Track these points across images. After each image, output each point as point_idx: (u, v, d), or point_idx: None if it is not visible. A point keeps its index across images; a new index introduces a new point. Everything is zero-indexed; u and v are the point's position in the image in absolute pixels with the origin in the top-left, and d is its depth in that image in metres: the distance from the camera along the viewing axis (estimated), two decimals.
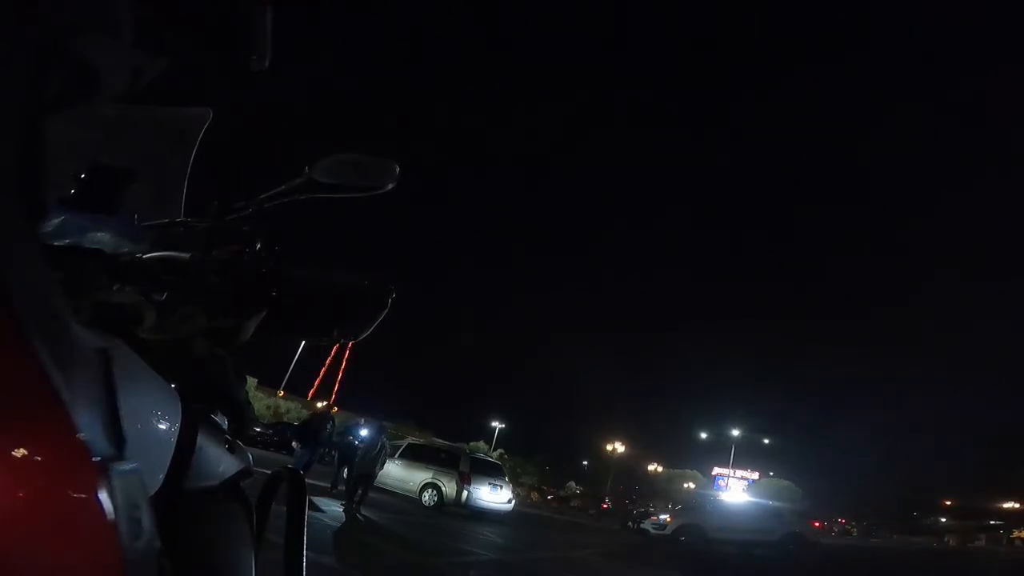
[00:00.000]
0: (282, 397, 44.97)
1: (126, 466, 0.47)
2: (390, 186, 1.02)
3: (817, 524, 24.63)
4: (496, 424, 54.15)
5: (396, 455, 15.75)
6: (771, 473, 54.57)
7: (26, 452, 0.35)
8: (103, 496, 0.40)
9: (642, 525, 19.19)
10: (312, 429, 12.30)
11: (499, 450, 48.91)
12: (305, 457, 11.86)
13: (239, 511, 0.92)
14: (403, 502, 14.88)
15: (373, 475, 11.39)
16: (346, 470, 11.82)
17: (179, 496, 0.71)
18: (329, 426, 12.41)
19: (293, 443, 14.01)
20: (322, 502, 10.42)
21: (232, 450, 0.93)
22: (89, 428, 0.41)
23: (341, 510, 10.36)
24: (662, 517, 19.05)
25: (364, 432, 11.98)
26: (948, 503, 56.93)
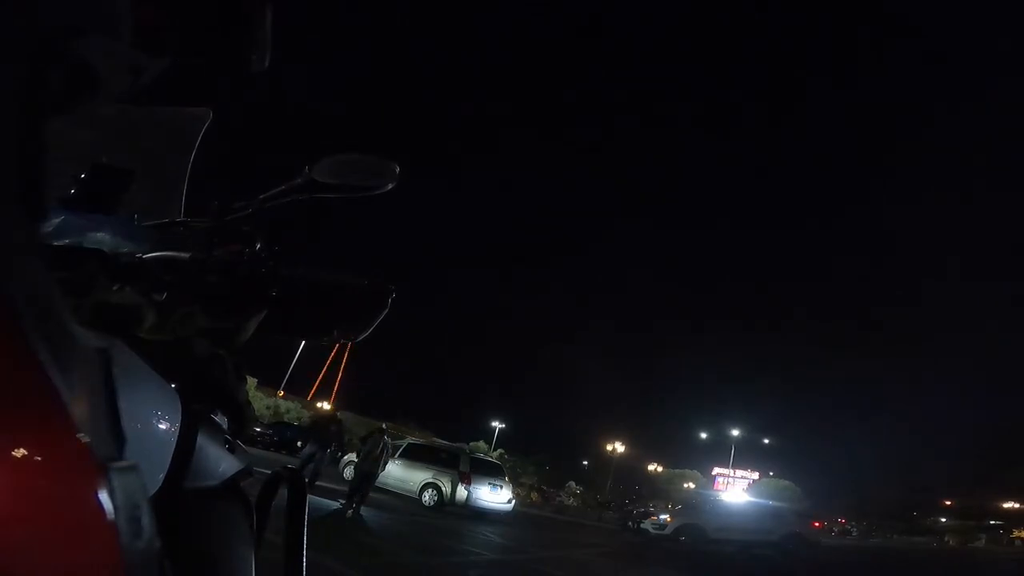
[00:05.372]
0: (282, 397, 44.91)
1: (126, 466, 0.47)
2: (390, 186, 1.02)
3: (817, 524, 24.62)
4: (496, 424, 54.16)
5: (396, 455, 15.77)
6: (771, 473, 54.55)
7: (26, 452, 0.35)
8: (103, 496, 0.40)
9: (642, 525, 19.17)
10: (317, 430, 12.37)
11: (499, 450, 48.84)
12: (305, 455, 11.89)
13: (239, 511, 0.92)
14: (403, 502, 14.89)
15: (375, 475, 11.38)
16: (348, 470, 11.84)
17: (179, 496, 0.71)
18: (334, 427, 12.46)
19: (298, 443, 14.06)
20: (322, 502, 10.42)
21: (232, 450, 0.93)
22: (89, 428, 0.41)
23: (343, 510, 10.36)
24: (662, 517, 19.03)
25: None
26: (948, 503, 56.92)
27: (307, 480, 1.10)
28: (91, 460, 0.40)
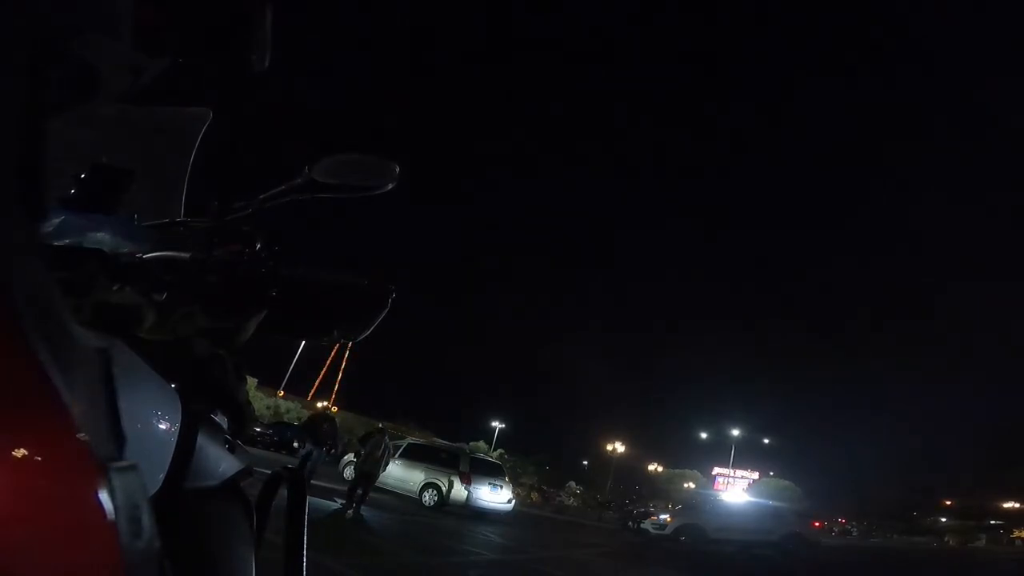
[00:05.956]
0: (282, 397, 44.89)
1: (126, 466, 0.47)
2: (390, 186, 1.02)
3: (817, 524, 24.63)
4: (496, 424, 54.20)
5: (396, 455, 15.77)
6: (771, 473, 54.56)
7: (26, 452, 0.35)
8: (103, 496, 0.40)
9: (642, 525, 19.17)
10: (311, 429, 12.35)
11: (499, 450, 48.85)
12: (302, 455, 11.88)
13: (239, 511, 0.92)
14: (403, 502, 14.89)
15: (375, 476, 11.38)
16: (348, 470, 11.86)
17: (179, 496, 0.71)
18: (327, 425, 12.45)
19: (295, 443, 14.06)
20: (322, 502, 10.43)
21: (232, 450, 0.93)
22: (89, 428, 0.41)
23: (342, 510, 10.36)
24: (662, 517, 19.03)
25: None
26: (948, 503, 56.90)
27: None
28: (91, 460, 0.40)
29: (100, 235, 0.91)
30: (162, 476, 0.67)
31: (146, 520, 0.46)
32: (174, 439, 0.71)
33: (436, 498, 15.25)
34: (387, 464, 12.06)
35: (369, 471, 11.12)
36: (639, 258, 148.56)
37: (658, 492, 47.99)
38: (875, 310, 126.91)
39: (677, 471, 60.16)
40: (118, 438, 0.52)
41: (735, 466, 52.73)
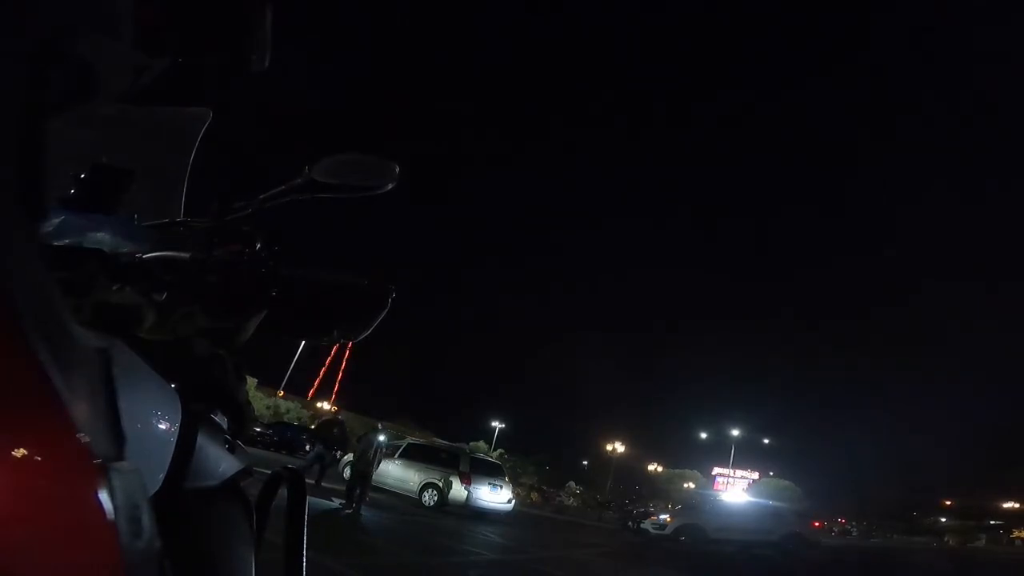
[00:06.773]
0: (282, 397, 44.86)
1: (126, 466, 0.47)
2: (390, 186, 1.02)
3: (817, 524, 24.64)
4: (496, 424, 54.22)
5: (396, 455, 15.76)
6: (771, 473, 54.58)
7: (26, 452, 0.35)
8: (103, 496, 0.40)
9: (642, 525, 19.17)
10: (321, 433, 12.42)
11: (499, 450, 48.88)
12: (311, 457, 11.94)
13: (239, 511, 0.92)
14: (403, 502, 14.88)
15: (370, 474, 11.37)
16: (347, 470, 11.88)
17: (179, 496, 0.71)
18: (337, 430, 12.49)
19: (306, 446, 14.18)
20: (322, 502, 10.43)
21: (232, 450, 0.93)
22: (89, 428, 0.41)
23: (341, 510, 10.36)
24: (662, 517, 19.02)
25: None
26: (948, 503, 56.93)
27: (314, 481, 1.10)
28: (91, 460, 0.40)
29: (100, 235, 0.91)
30: (162, 476, 0.67)
31: (146, 520, 0.46)
32: (174, 439, 0.70)
33: (436, 498, 15.24)
34: (379, 462, 12.01)
35: (364, 470, 11.11)
36: (639, 257, 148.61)
37: (658, 492, 48.02)
38: (875, 310, 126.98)
39: (677, 471, 60.20)
40: (118, 438, 0.52)
41: (735, 466, 52.75)
